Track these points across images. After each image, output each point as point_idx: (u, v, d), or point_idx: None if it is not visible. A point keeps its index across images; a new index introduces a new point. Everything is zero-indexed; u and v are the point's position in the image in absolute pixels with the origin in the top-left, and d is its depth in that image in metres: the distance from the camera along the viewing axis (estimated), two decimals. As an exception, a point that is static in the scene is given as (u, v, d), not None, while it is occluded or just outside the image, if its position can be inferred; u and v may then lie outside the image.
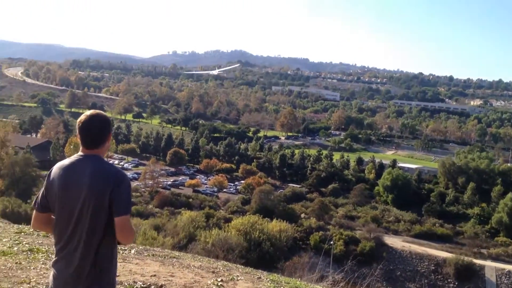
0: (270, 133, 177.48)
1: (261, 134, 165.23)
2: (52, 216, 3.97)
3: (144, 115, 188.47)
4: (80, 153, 3.98)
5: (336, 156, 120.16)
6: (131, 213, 4.29)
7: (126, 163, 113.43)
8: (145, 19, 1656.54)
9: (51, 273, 3.93)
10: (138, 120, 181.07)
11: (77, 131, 3.98)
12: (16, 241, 9.60)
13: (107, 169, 3.85)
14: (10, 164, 75.83)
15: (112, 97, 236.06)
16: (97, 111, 4.12)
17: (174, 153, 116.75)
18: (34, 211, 4.02)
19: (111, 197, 3.73)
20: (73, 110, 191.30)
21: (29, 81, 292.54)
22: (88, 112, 4.06)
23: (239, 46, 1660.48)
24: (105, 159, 4.18)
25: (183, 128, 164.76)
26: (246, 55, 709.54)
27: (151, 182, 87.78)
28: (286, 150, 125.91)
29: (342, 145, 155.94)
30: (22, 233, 10.78)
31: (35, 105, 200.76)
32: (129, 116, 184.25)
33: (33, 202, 4.05)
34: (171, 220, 59.94)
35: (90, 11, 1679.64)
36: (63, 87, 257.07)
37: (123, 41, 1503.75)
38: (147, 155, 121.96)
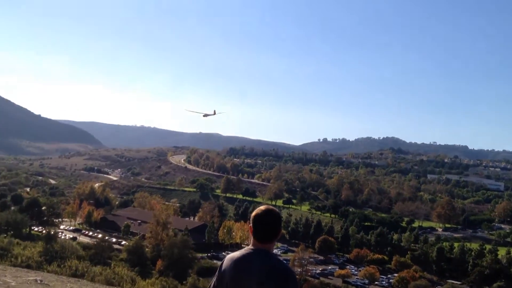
0: (425, 224, 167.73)
1: (415, 224, 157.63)
2: None
3: (294, 201, 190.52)
4: (251, 246, 4.21)
5: (502, 252, 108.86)
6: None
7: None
8: (298, 110, 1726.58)
9: None
10: (288, 206, 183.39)
11: (251, 224, 4.23)
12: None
13: (276, 265, 3.99)
14: (170, 245, 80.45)
15: (264, 183, 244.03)
16: (271, 207, 4.37)
17: (323, 240, 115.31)
18: None
19: None
20: (227, 195, 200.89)
21: (190, 167, 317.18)
22: (263, 207, 4.32)
23: (391, 133, 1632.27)
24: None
25: (333, 215, 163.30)
26: (398, 142, 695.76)
27: (299, 269, 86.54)
28: (444, 243, 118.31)
29: (508, 239, 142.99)
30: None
31: (194, 189, 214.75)
32: (279, 202, 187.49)
33: None
34: (320, 312, 57.72)
35: (246, 104, 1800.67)
36: (220, 173, 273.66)
37: (277, 130, 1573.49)
38: (296, 241, 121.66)
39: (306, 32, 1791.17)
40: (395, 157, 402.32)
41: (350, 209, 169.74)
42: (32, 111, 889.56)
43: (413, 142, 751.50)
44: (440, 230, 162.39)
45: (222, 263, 4.17)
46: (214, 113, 60.97)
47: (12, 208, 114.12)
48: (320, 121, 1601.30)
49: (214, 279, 4.20)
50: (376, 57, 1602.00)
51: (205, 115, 60.43)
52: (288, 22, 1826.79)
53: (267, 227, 4.19)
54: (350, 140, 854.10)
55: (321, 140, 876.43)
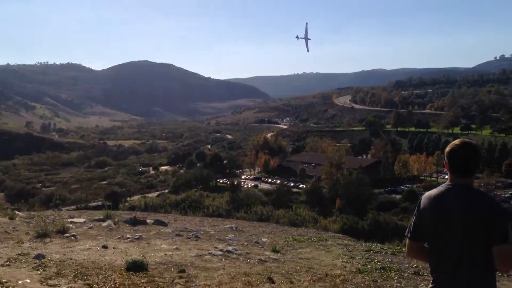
0: None
1: None
2: (425, 245, 3.96)
3: (473, 126, 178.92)
4: (448, 182, 3.91)
5: None
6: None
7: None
8: (468, 28, 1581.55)
9: None
10: (466, 132, 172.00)
11: (446, 160, 3.93)
12: (368, 259, 9.53)
13: (479, 198, 3.71)
14: (346, 184, 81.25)
15: (437, 112, 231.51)
16: (467, 140, 4.00)
17: (510, 163, 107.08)
18: (408, 240, 4.03)
19: (487, 227, 3.61)
20: (399, 129, 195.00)
21: (356, 107, 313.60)
22: (457, 141, 3.97)
23: None
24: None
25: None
26: None
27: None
28: None
29: None
30: (371, 251, 10.74)
31: (363, 128, 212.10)
32: (456, 129, 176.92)
33: (406, 231, 4.03)
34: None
35: (408, 33, 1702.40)
36: (388, 109, 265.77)
37: (446, 54, 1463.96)
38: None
39: None
40: None
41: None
42: (202, 74, 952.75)
43: None
44: None
45: (419, 202, 3.94)
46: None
47: (198, 164, 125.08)
48: (495, 36, 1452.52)
49: (413, 218, 3.97)
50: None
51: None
52: None
53: (466, 160, 3.77)
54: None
55: (498, 58, 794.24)
